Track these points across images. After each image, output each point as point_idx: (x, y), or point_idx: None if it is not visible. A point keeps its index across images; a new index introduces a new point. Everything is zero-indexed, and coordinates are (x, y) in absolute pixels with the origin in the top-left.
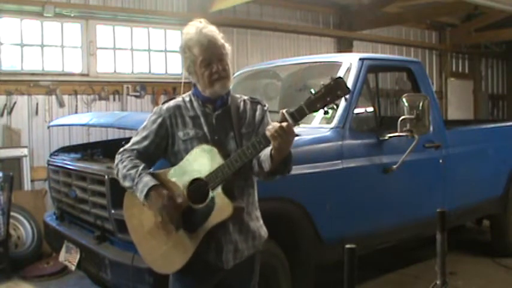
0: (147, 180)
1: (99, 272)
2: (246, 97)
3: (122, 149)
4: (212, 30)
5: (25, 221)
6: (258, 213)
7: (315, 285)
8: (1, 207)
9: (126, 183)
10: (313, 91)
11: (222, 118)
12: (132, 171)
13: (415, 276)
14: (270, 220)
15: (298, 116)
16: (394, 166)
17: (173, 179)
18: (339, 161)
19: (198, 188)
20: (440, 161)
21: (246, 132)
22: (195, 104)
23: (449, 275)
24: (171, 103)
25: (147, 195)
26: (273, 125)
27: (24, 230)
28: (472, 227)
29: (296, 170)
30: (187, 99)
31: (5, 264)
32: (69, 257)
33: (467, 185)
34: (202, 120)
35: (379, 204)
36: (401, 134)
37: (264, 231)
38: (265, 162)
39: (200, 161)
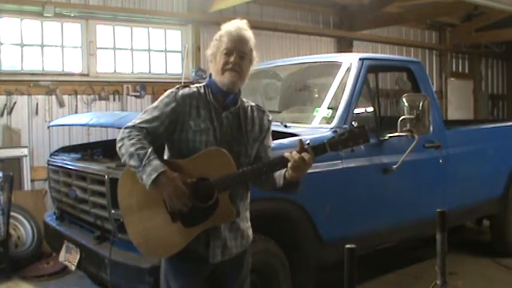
0: (157, 165)
1: (99, 272)
2: (252, 103)
3: (130, 124)
4: (248, 31)
5: (25, 221)
6: (248, 215)
7: (315, 285)
8: (1, 207)
9: (132, 162)
10: (337, 132)
11: (232, 119)
12: (141, 152)
13: (415, 276)
14: (271, 220)
15: (319, 152)
16: (394, 166)
17: (181, 171)
18: (339, 161)
19: (204, 187)
20: (440, 161)
21: (252, 139)
22: (209, 97)
23: (449, 275)
24: (186, 91)
25: (155, 180)
26: (294, 156)
27: (24, 230)
28: (472, 227)
29: None
30: (202, 90)
31: (5, 264)
32: (69, 257)
33: (467, 185)
34: (213, 115)
35: (379, 204)
36: (401, 134)
37: (251, 233)
38: (276, 179)
39: (212, 162)
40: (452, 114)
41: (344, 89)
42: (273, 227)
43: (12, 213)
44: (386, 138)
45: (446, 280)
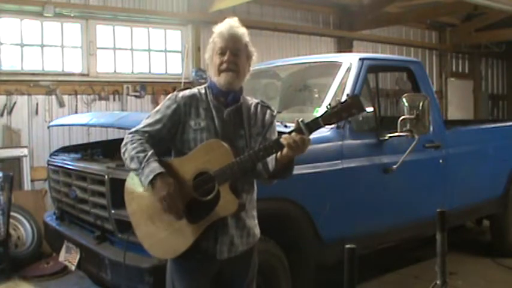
0: (155, 167)
1: (99, 272)
2: (257, 100)
3: (134, 129)
4: (240, 28)
5: (25, 221)
6: (255, 213)
7: (315, 285)
8: (1, 207)
9: (133, 165)
10: (330, 105)
11: (234, 115)
12: (141, 155)
13: (415, 276)
14: (271, 220)
15: (314, 128)
16: (394, 166)
17: (181, 169)
18: (339, 161)
19: (205, 181)
20: (440, 161)
21: (255, 133)
22: (209, 97)
23: (449, 275)
24: (187, 92)
25: (152, 181)
26: (291, 136)
27: (24, 230)
28: (472, 227)
29: (296, 170)
30: (202, 91)
31: (5, 264)
32: (69, 257)
33: (467, 185)
34: (214, 113)
35: (379, 204)
36: (401, 134)
37: (257, 231)
38: (269, 163)
39: (210, 155)
40: (452, 114)
41: (344, 89)
42: (273, 227)
43: (12, 213)
44: (386, 138)
45: (446, 280)
